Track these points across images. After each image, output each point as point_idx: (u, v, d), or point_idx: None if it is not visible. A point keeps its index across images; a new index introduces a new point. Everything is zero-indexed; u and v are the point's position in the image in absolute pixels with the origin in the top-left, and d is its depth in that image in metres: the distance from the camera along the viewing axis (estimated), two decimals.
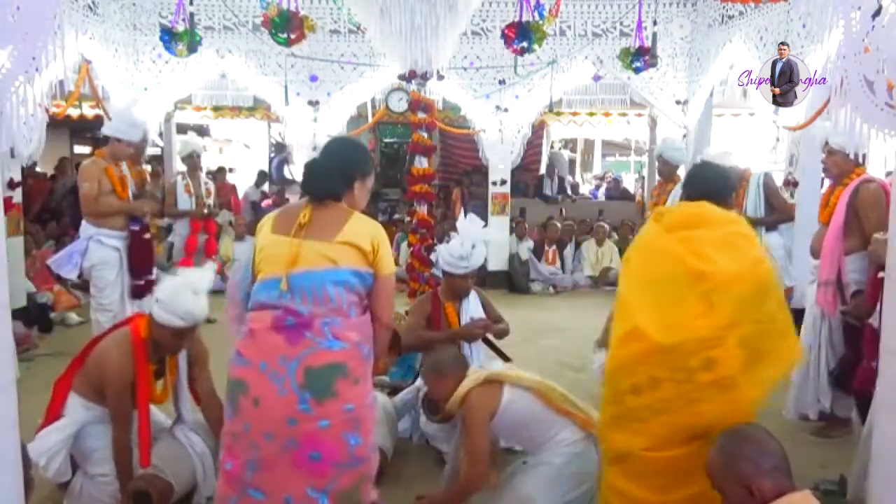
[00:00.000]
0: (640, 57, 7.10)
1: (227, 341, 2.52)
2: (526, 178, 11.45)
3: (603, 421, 2.36)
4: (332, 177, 2.32)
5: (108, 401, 3.01)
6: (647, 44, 7.10)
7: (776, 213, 4.97)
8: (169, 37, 6.56)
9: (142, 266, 4.78)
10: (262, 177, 13.19)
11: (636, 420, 2.16)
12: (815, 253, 3.98)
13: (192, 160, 6.52)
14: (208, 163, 11.90)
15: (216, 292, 3.39)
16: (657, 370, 2.11)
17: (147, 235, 4.93)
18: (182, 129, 10.18)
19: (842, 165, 3.88)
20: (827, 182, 4.24)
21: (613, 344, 2.28)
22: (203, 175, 6.73)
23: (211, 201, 6.66)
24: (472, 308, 4.01)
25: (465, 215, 4.14)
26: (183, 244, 6.45)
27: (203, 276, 3.11)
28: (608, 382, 2.28)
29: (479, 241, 3.88)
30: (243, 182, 13.18)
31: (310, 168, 2.39)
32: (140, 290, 4.76)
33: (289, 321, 2.16)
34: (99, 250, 4.63)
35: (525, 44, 6.00)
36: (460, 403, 2.87)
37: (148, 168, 5.84)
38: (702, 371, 2.07)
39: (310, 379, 2.14)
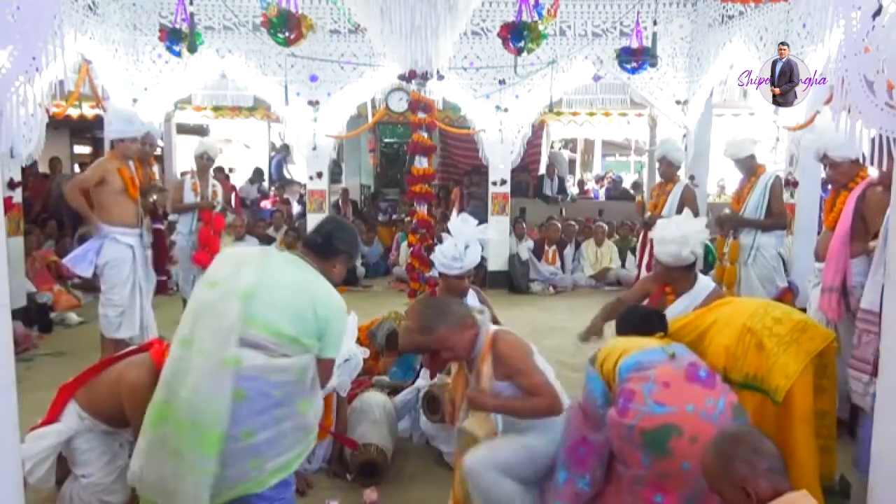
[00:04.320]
0: (633, 58, 7.07)
1: None
2: (526, 178, 11.46)
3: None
4: None
5: (132, 421, 2.93)
6: (647, 43, 7.09)
7: (772, 218, 4.98)
8: (174, 39, 6.55)
9: (162, 263, 5.11)
10: (258, 174, 13.15)
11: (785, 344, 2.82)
12: (820, 257, 3.96)
13: (201, 161, 6.49)
14: None
15: None
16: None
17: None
18: (182, 129, 10.14)
19: (849, 173, 3.87)
20: (830, 185, 4.22)
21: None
22: (212, 178, 6.70)
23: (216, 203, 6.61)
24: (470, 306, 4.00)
25: (458, 215, 4.13)
26: (195, 238, 6.36)
27: None
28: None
29: (473, 240, 3.82)
30: (243, 182, 13.18)
31: None
32: (161, 286, 5.12)
33: (702, 373, 2.60)
34: (114, 248, 4.81)
35: (521, 44, 5.99)
36: (490, 346, 2.73)
37: (156, 170, 5.83)
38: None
39: (735, 413, 2.54)
